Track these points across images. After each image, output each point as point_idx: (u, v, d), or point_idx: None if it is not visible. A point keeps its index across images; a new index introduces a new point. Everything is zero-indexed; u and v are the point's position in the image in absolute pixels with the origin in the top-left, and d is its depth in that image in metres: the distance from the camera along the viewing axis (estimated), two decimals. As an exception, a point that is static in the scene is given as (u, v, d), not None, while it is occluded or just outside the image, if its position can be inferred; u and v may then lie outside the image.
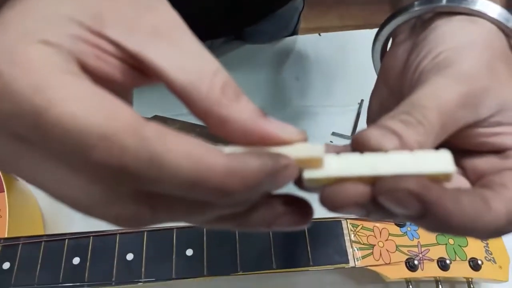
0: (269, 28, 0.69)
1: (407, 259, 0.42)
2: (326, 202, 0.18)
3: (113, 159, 0.14)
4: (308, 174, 0.18)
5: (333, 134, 0.62)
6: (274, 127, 0.17)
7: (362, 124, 0.62)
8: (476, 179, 0.23)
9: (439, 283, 0.43)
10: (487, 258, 0.44)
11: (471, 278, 0.43)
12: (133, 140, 0.14)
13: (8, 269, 0.40)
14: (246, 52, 0.67)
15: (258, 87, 0.65)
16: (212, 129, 0.17)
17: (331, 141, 0.61)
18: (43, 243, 0.41)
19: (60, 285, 0.39)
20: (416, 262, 0.42)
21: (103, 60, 0.17)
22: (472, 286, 0.44)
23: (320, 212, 0.20)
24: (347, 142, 0.60)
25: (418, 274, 0.42)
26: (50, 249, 0.41)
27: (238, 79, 0.18)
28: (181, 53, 0.17)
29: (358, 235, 0.43)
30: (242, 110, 0.17)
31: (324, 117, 0.63)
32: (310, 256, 0.41)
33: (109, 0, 0.17)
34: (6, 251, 0.41)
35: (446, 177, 0.18)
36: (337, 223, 0.43)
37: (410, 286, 0.42)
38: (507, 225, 0.19)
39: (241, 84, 0.18)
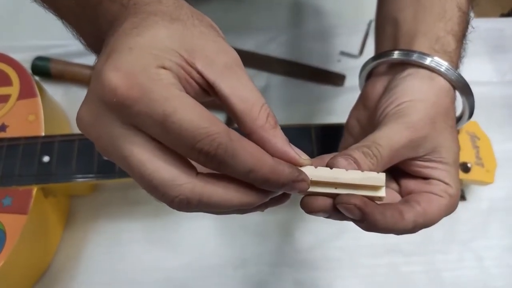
0: None
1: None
2: (304, 207, 0.27)
3: (211, 149, 0.21)
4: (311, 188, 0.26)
5: (341, 53, 0.65)
6: (294, 153, 0.24)
7: (370, 44, 0.64)
8: (406, 194, 0.32)
9: (431, 183, 0.48)
10: (476, 163, 0.49)
11: (461, 180, 0.48)
12: (225, 139, 0.21)
13: (48, 162, 0.45)
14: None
15: (270, 6, 0.67)
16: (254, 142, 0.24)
17: (338, 60, 0.64)
18: (77, 141, 0.46)
19: (95, 175, 0.45)
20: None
21: (189, 83, 0.23)
22: (461, 188, 0.49)
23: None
24: (355, 61, 0.63)
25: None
26: (84, 146, 0.46)
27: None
28: (241, 87, 0.23)
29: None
30: (277, 135, 0.24)
31: (334, 36, 0.65)
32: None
33: (198, 40, 0.24)
34: (45, 147, 0.46)
35: (380, 198, 0.27)
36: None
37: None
38: (413, 228, 0.28)
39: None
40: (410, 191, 0.31)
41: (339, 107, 0.60)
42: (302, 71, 0.63)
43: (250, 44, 0.64)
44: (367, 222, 0.26)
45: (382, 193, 0.27)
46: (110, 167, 0.45)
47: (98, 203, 0.53)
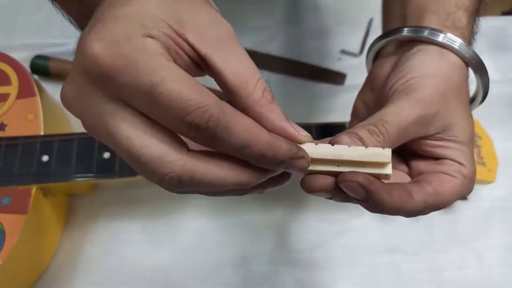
0: None
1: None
2: (304, 186, 0.25)
3: (202, 121, 0.20)
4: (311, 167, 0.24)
5: (342, 51, 0.64)
6: (293, 129, 0.23)
7: (370, 42, 0.64)
8: (416, 176, 0.30)
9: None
10: (478, 162, 0.49)
11: (462, 179, 0.48)
12: (217, 111, 0.20)
13: (47, 161, 0.45)
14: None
15: (270, 5, 0.67)
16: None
17: (339, 58, 0.64)
18: (76, 140, 0.46)
19: (94, 174, 0.45)
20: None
21: (179, 55, 0.22)
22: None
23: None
24: (356, 59, 0.62)
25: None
26: (83, 145, 0.46)
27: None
28: (235, 60, 0.22)
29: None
30: (274, 111, 0.23)
31: (334, 34, 0.65)
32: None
33: (189, 11, 0.22)
34: (44, 146, 0.45)
35: (386, 176, 0.25)
36: (342, 127, 0.47)
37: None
38: (423, 209, 0.27)
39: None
40: (421, 172, 0.29)
41: (340, 106, 0.59)
42: (302, 70, 0.63)
43: (249, 43, 0.63)
44: (372, 202, 0.25)
45: (388, 170, 0.25)
46: (110, 167, 0.45)
47: (97, 203, 0.53)
